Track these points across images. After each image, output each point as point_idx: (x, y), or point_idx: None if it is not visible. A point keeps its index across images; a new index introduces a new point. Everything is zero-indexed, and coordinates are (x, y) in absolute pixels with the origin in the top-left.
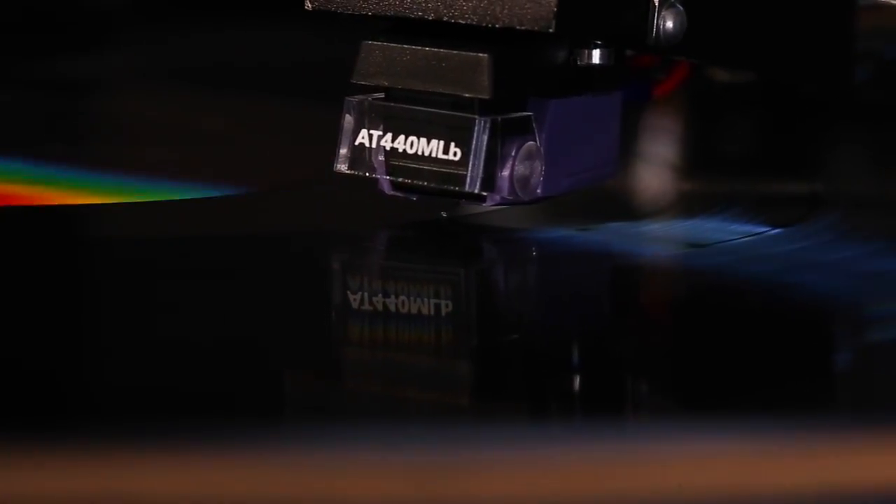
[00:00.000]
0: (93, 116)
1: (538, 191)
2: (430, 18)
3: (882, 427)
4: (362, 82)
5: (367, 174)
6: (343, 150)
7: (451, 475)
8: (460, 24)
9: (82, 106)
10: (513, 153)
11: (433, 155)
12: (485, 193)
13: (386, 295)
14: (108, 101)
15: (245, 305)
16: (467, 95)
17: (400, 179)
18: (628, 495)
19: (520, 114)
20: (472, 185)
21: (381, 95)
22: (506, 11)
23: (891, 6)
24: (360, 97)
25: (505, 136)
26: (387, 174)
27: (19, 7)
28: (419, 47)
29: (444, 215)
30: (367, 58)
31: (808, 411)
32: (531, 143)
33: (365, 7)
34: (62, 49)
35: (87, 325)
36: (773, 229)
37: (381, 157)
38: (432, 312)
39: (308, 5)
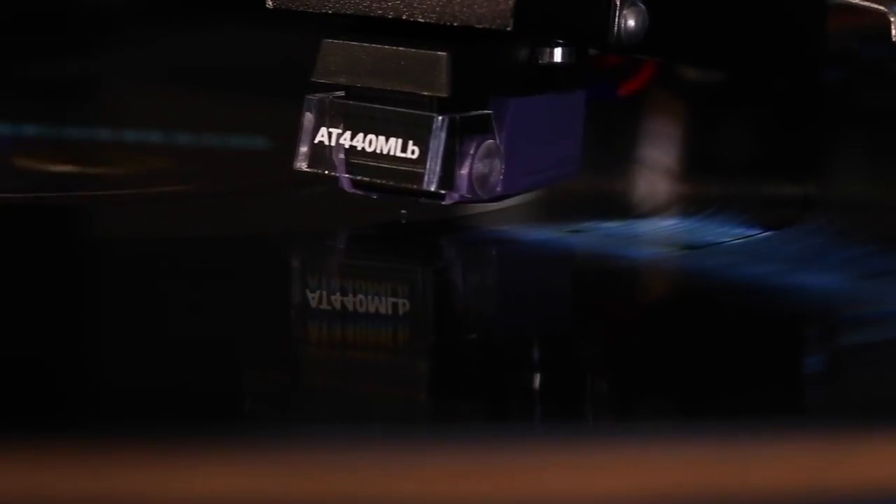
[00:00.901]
0: (91, 116)
1: (498, 189)
2: (390, 17)
3: (872, 428)
4: (322, 81)
5: (327, 172)
6: (303, 148)
7: (409, 474)
8: (420, 22)
9: (80, 106)
10: (472, 151)
11: (392, 153)
12: (443, 192)
13: (345, 294)
14: (107, 101)
15: (207, 305)
16: (426, 94)
17: (359, 178)
18: (587, 495)
19: (479, 112)
20: (430, 183)
21: (342, 94)
22: (464, 10)
23: (862, 7)
24: (321, 95)
25: (464, 134)
26: (347, 172)
27: (19, 7)
28: (379, 46)
29: (404, 212)
30: (327, 56)
31: (799, 413)
32: (490, 141)
33: (325, 5)
34: (61, 49)
35: (80, 324)
36: (768, 231)
37: (342, 156)
38: (407, 312)
39: (269, 3)
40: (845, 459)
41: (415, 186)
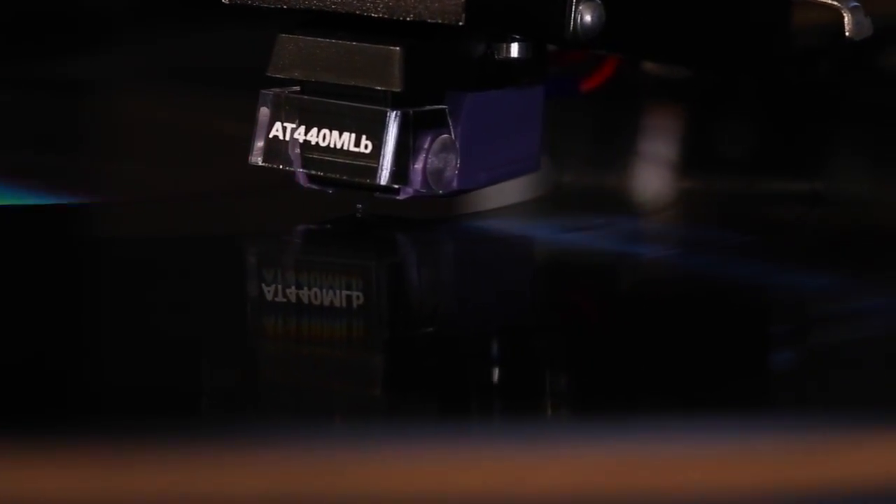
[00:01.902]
0: (91, 116)
1: (454, 184)
2: (343, 12)
3: (865, 425)
4: (277, 75)
5: (283, 167)
6: (258, 143)
7: (362, 471)
8: (373, 17)
9: (81, 106)
10: (426, 146)
11: (346, 148)
12: (397, 186)
13: (301, 288)
14: (107, 101)
15: (173, 304)
16: (379, 88)
17: (314, 172)
18: (542, 493)
19: (434, 107)
20: (383, 177)
21: (297, 88)
22: (416, 4)
23: (817, 3)
24: (277, 90)
25: (417, 128)
26: (302, 167)
27: (18, 7)
28: (333, 40)
29: (360, 207)
30: (282, 51)
31: (792, 412)
32: (445, 136)
33: (280, 1)
34: (61, 49)
35: (76, 324)
36: (765, 229)
37: (297, 150)
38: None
39: None
40: (840, 457)
41: (368, 181)
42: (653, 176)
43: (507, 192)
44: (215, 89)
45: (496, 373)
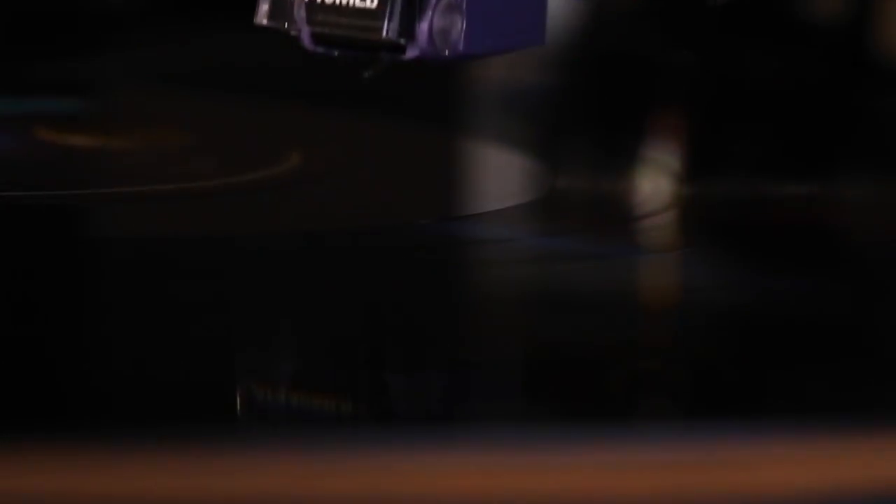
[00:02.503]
0: (92, 117)
1: (460, 47)
2: None
3: (866, 427)
4: None
5: (287, 27)
6: (264, 5)
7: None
8: None
9: (83, 107)
10: (433, 3)
11: (352, 4)
12: (403, 43)
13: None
14: (108, 102)
15: (187, 305)
16: None
17: (319, 30)
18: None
19: None
20: (389, 33)
21: None
22: None
23: None
24: None
25: None
26: (307, 25)
27: (20, 8)
28: None
29: (367, 76)
30: None
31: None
32: None
33: None
34: (63, 51)
35: (77, 324)
36: (764, 229)
37: (302, 10)
38: None
39: None
40: (839, 457)
41: (374, 37)
42: (648, 178)
43: (501, 195)
44: (215, 90)
45: (482, 373)
